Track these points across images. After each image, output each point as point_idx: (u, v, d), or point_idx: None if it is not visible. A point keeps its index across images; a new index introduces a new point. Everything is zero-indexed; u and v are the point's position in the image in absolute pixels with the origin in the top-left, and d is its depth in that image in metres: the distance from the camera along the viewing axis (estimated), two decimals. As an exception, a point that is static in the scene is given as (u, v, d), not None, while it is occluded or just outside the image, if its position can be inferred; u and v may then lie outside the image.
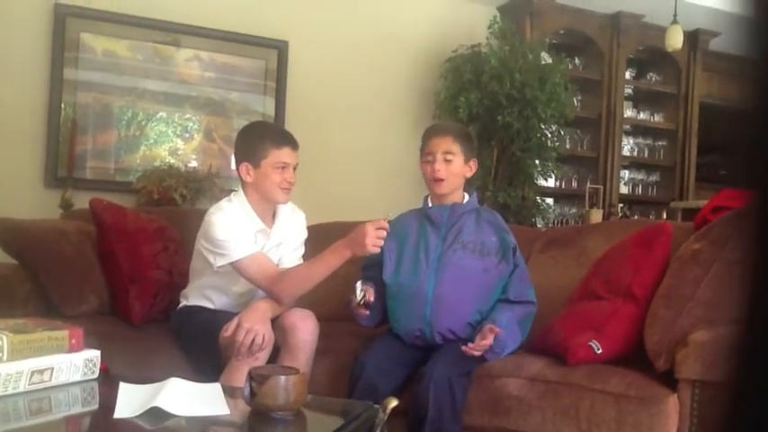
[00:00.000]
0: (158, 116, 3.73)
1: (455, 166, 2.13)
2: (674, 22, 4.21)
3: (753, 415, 0.44)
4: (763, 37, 0.44)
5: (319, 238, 2.30)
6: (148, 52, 3.69)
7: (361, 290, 2.00)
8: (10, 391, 1.43)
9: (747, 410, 0.44)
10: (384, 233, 1.97)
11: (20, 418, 1.41)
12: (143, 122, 3.70)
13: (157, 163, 3.58)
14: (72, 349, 1.58)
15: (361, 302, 1.99)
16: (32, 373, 1.48)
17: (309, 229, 2.38)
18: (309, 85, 4.01)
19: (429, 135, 2.19)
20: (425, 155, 2.16)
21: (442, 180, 2.11)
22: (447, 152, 2.12)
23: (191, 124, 3.82)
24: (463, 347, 1.91)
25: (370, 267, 2.18)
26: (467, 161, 2.16)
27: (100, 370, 1.63)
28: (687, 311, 1.77)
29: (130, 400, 1.43)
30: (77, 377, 1.58)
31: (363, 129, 4.15)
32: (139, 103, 3.68)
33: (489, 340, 1.90)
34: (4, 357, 1.43)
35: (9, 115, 3.36)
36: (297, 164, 2.21)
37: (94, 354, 1.63)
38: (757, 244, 0.45)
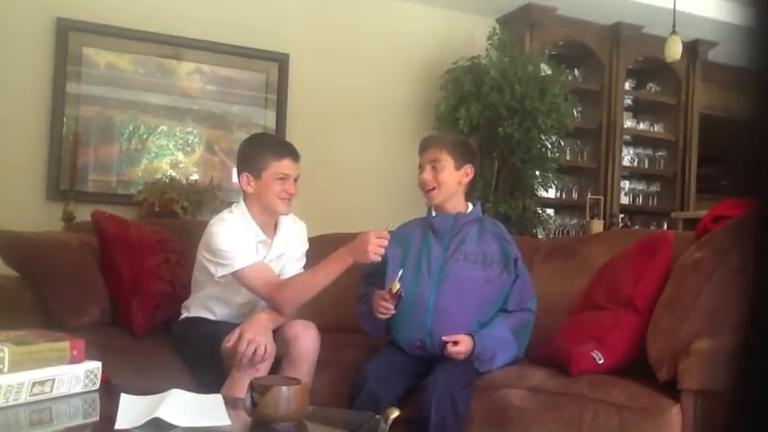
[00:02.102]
0: (160, 129, 3.75)
1: (444, 174, 2.14)
2: (673, 32, 4.23)
3: (752, 423, 0.44)
4: (763, 46, 0.44)
5: (320, 249, 2.30)
6: (150, 66, 3.71)
7: (399, 281, 1.98)
8: (11, 402, 1.43)
9: (747, 418, 0.44)
10: (385, 242, 1.98)
11: (21, 430, 1.41)
12: (144, 136, 3.71)
13: (159, 176, 3.59)
14: (73, 360, 1.58)
15: (398, 292, 1.97)
16: (33, 384, 1.48)
17: (310, 240, 2.39)
18: (310, 98, 4.03)
19: (420, 147, 2.24)
20: (419, 167, 2.20)
21: (431, 189, 2.13)
22: (434, 161, 2.15)
23: (192, 137, 3.83)
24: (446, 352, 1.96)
25: (371, 277, 2.18)
26: (459, 167, 2.17)
27: (101, 381, 1.63)
28: (689, 321, 1.76)
29: (132, 411, 1.42)
30: (78, 388, 1.58)
31: (364, 141, 4.17)
32: (141, 116, 3.70)
33: (457, 349, 1.95)
34: (5, 369, 1.43)
35: (12, 128, 3.38)
36: (298, 175, 2.22)
37: (96, 365, 1.63)
38: (758, 253, 0.45)
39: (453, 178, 2.16)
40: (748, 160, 0.47)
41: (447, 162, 2.15)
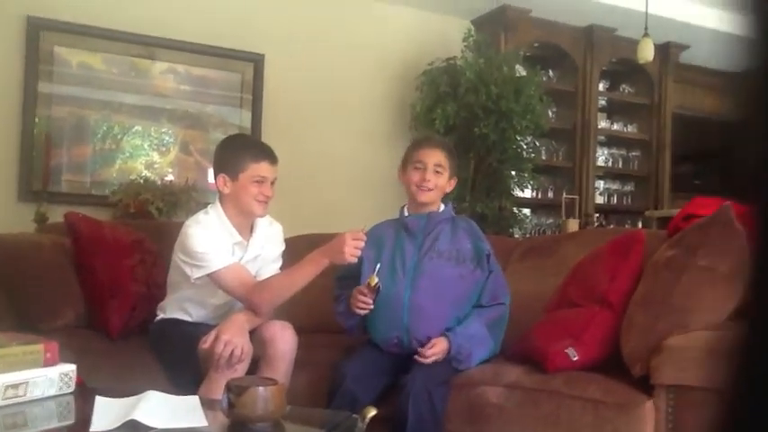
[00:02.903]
0: (134, 129, 3.71)
1: (441, 180, 2.18)
2: (646, 35, 4.28)
3: (752, 422, 0.45)
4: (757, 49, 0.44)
5: (297, 250, 2.30)
6: (124, 65, 3.67)
7: (377, 275, 2.00)
8: (-17, 406, 1.41)
9: (746, 417, 0.45)
10: (362, 243, 1.98)
11: (-6, 434, 1.39)
12: (119, 136, 3.67)
13: (133, 176, 3.56)
14: (47, 363, 1.56)
15: (376, 286, 1.99)
16: (6, 387, 1.46)
17: (287, 241, 2.38)
18: (286, 98, 4.02)
19: (421, 145, 2.23)
20: (414, 162, 2.18)
21: (430, 190, 2.14)
22: (438, 164, 2.16)
23: (167, 137, 3.80)
24: (415, 355, 1.97)
25: (346, 278, 2.18)
26: (450, 178, 2.21)
27: (76, 384, 1.61)
28: (662, 317, 1.79)
29: (107, 413, 1.41)
30: (53, 391, 1.56)
31: (339, 141, 4.17)
32: (115, 116, 3.66)
33: (433, 351, 1.97)
34: (-22, 372, 1.41)
35: (-18, 129, 3.33)
36: (275, 178, 2.21)
37: (70, 368, 1.61)
38: (757, 250, 0.45)
39: (444, 186, 2.20)
40: (746, 162, 0.48)
41: (445, 170, 2.18)
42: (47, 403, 1.54)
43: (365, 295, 2.01)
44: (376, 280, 1.99)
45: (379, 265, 2.04)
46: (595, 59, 4.81)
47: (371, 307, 2.02)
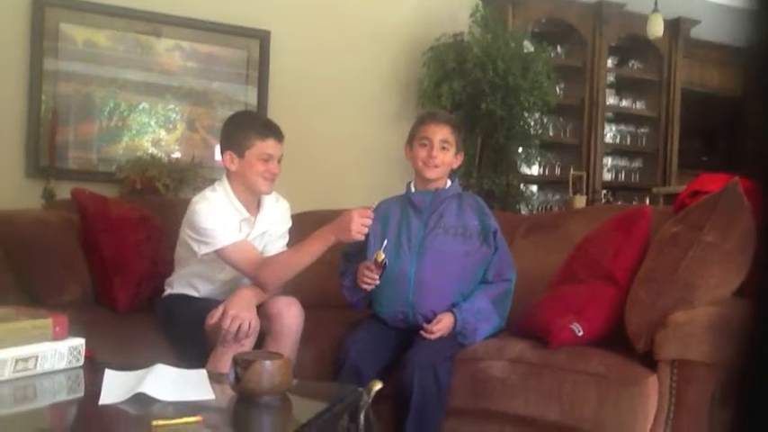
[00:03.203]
0: (140, 107, 3.71)
1: (448, 156, 2.17)
2: (655, 10, 4.24)
3: (762, 397, 0.45)
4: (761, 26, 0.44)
5: (304, 226, 2.31)
6: (129, 42, 3.66)
7: (384, 251, 2.02)
8: (-6, 379, 1.43)
9: (757, 392, 0.45)
10: (369, 221, 1.99)
11: (5, 406, 1.41)
12: (125, 113, 3.68)
13: (140, 153, 3.57)
14: (56, 337, 1.58)
15: (383, 262, 2.00)
16: (17, 361, 1.48)
17: (294, 217, 2.39)
18: (292, 75, 4.00)
19: (427, 121, 2.21)
20: (420, 138, 2.17)
21: (436, 167, 2.14)
22: (444, 141, 2.16)
23: (173, 114, 3.80)
24: (421, 331, 1.99)
25: (353, 254, 2.19)
26: (456, 154, 2.21)
27: (85, 357, 1.63)
28: (666, 293, 1.79)
29: (116, 386, 1.43)
30: (62, 365, 1.58)
31: (346, 117, 4.15)
32: (121, 93, 3.65)
33: (439, 326, 1.99)
34: (-12, 346, 1.44)
35: (-11, 106, 3.33)
36: (281, 155, 2.21)
37: (79, 341, 1.63)
38: (762, 230, 0.46)
39: (451, 162, 2.19)
40: (754, 138, 0.48)
41: (451, 145, 2.18)
42: (56, 376, 1.56)
43: (371, 271, 2.02)
44: (383, 256, 2.00)
45: (386, 242, 2.05)
46: (604, 35, 4.76)
47: (377, 282, 2.03)
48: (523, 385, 1.87)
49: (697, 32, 5.08)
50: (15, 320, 1.53)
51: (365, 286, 2.06)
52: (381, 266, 2.01)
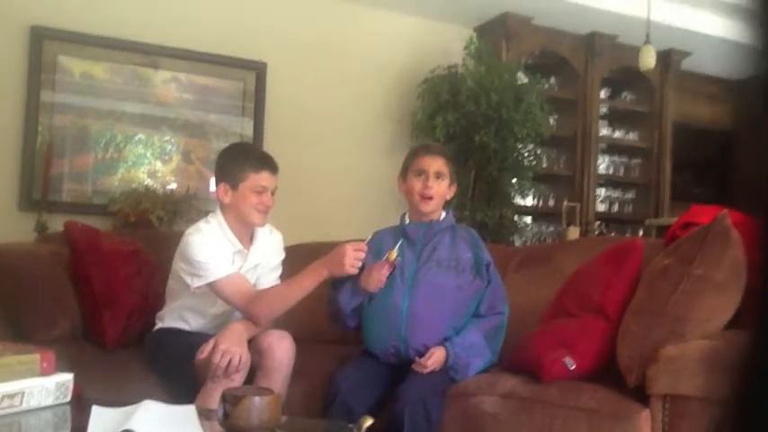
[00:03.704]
0: (136, 138, 3.73)
1: (443, 187, 2.19)
2: (647, 42, 4.29)
3: (759, 428, 0.45)
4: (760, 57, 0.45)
5: (297, 258, 2.31)
6: (126, 74, 3.70)
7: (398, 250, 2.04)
8: (-21, 416, 1.42)
9: (753, 424, 0.45)
10: (362, 254, 1.99)
11: (-11, 444, 1.40)
12: (121, 145, 3.69)
13: (136, 185, 3.57)
14: (44, 373, 1.57)
15: (395, 261, 2.02)
16: (3, 397, 1.47)
17: (287, 249, 2.39)
18: (288, 107, 4.04)
19: (421, 153, 2.23)
20: (414, 170, 2.19)
21: (431, 198, 2.15)
22: (438, 172, 2.17)
23: (169, 146, 3.82)
24: (413, 365, 1.98)
25: (341, 282, 2.18)
26: (450, 185, 2.23)
27: (73, 393, 1.62)
28: (657, 327, 1.79)
29: (103, 423, 1.42)
30: (49, 401, 1.57)
31: (341, 149, 4.18)
32: (117, 125, 3.67)
33: (432, 361, 1.98)
34: (-26, 382, 1.42)
35: (-16, 138, 3.35)
36: (275, 188, 2.22)
37: (67, 377, 1.61)
38: (760, 262, 0.46)
39: (445, 193, 2.21)
40: (746, 171, 0.48)
41: (446, 176, 2.20)
42: (43, 413, 1.54)
43: (381, 269, 2.03)
44: (396, 254, 2.02)
45: (402, 241, 2.08)
46: (596, 67, 4.82)
47: (381, 284, 2.04)
48: (515, 421, 1.85)
49: (689, 64, 5.15)
50: (2, 356, 1.52)
51: (373, 287, 2.05)
52: (392, 266, 2.02)
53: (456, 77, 4.06)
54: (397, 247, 2.04)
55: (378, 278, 2.04)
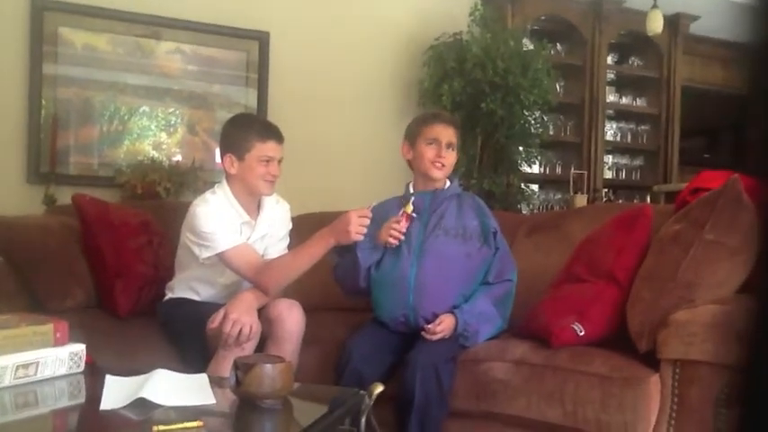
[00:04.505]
0: (141, 110, 3.71)
1: (453, 158, 2.20)
2: (655, 6, 4.23)
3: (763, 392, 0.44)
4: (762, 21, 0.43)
5: (304, 228, 2.31)
6: (129, 46, 3.66)
7: (412, 202, 2.08)
8: (-5, 386, 1.43)
9: (762, 391, 0.45)
10: (367, 221, 1.99)
11: (6, 413, 1.41)
12: (125, 117, 3.67)
13: (141, 157, 3.56)
14: (57, 343, 1.58)
15: (411, 214, 2.05)
16: (17, 367, 1.48)
17: (294, 219, 2.39)
18: (291, 76, 4.00)
19: (432, 121, 2.22)
20: (426, 138, 2.18)
21: (444, 166, 2.15)
22: (450, 143, 2.18)
23: (173, 118, 3.79)
24: (423, 332, 1.98)
25: (346, 248, 2.17)
26: (456, 155, 2.24)
27: (86, 363, 1.63)
28: (668, 292, 1.78)
29: (117, 391, 1.43)
30: (63, 371, 1.59)
31: (346, 118, 4.15)
32: (121, 97, 3.65)
33: (441, 327, 1.98)
34: (-11, 353, 1.44)
35: (-11, 112, 3.34)
36: (282, 157, 2.21)
37: (80, 347, 1.63)
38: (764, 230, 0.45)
39: (453, 163, 2.22)
40: (756, 135, 0.47)
41: (455, 147, 2.21)
42: (57, 382, 1.56)
43: (399, 223, 2.05)
44: (411, 208, 2.05)
45: (413, 197, 2.10)
46: (603, 32, 4.75)
47: (402, 236, 2.05)
48: (525, 387, 1.86)
49: (697, 28, 5.07)
50: (16, 327, 1.53)
51: (392, 240, 2.06)
52: (410, 218, 2.04)
53: (462, 45, 4.01)
54: (411, 201, 2.06)
55: (398, 230, 2.05)
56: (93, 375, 1.60)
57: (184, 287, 2.27)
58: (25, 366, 1.50)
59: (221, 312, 1.98)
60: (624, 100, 5.14)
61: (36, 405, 1.49)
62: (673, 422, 1.70)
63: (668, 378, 1.72)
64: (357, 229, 1.97)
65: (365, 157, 4.13)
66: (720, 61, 5.35)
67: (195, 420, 1.29)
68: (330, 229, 2.02)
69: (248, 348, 1.96)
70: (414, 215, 2.05)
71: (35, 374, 1.52)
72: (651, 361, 1.76)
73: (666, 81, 5.04)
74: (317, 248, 2.04)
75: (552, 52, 4.59)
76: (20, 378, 1.49)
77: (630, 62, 5.16)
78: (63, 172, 3.42)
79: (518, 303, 2.12)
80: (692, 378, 1.68)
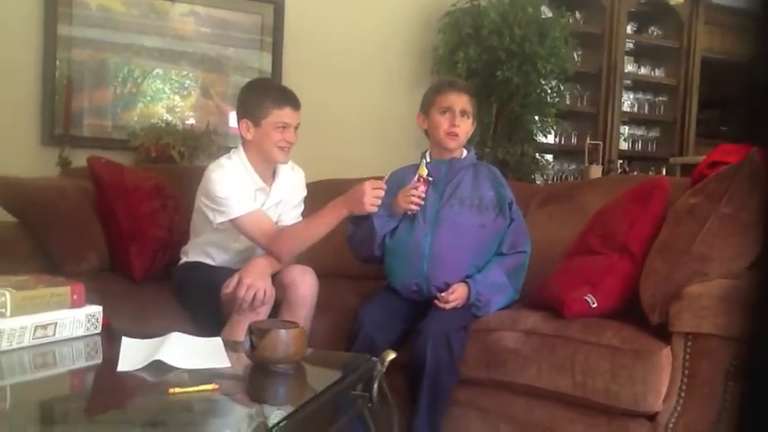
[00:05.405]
0: (155, 73, 3.70)
1: (468, 126, 2.17)
2: (677, -26, 4.14)
3: None
4: None
5: (318, 195, 2.31)
6: (143, 7, 3.64)
7: (426, 165, 2.08)
8: (14, 345, 1.46)
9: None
10: (381, 192, 1.99)
11: (25, 372, 1.44)
12: (139, 79, 3.66)
13: (155, 120, 3.56)
14: (74, 305, 1.61)
15: (428, 177, 2.06)
16: (36, 328, 1.51)
17: (308, 186, 2.39)
18: (306, 41, 3.96)
19: (446, 89, 2.19)
20: (440, 107, 2.15)
21: (457, 136, 2.13)
22: (464, 110, 2.15)
23: (188, 81, 3.78)
24: (435, 300, 1.99)
25: (361, 218, 2.17)
26: (473, 122, 2.20)
27: (102, 325, 1.66)
28: (682, 265, 1.78)
29: (133, 353, 1.46)
30: (80, 332, 1.61)
31: (361, 84, 4.11)
32: (135, 59, 3.64)
33: (454, 296, 1.98)
34: (8, 313, 1.46)
35: (3, 73, 3.33)
36: (298, 124, 2.20)
37: (97, 309, 1.65)
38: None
39: (469, 131, 2.20)
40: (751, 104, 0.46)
41: (470, 115, 2.17)
42: (75, 343, 1.59)
43: (417, 189, 2.04)
44: (426, 171, 2.05)
45: (427, 159, 2.10)
46: (623, 0, 4.66)
47: (422, 201, 2.05)
48: (536, 356, 1.87)
49: (719, -3, 4.97)
50: (34, 288, 1.55)
51: (412, 206, 2.06)
52: (426, 182, 2.05)
53: (478, 11, 3.95)
54: (425, 164, 2.05)
55: (418, 195, 2.04)
56: (110, 337, 1.62)
57: (199, 251, 2.28)
58: (44, 327, 1.52)
59: (235, 278, 2.00)
60: (642, 70, 5.07)
61: (54, 365, 1.51)
62: (683, 394, 1.70)
63: (680, 351, 1.72)
64: (371, 200, 1.97)
65: (379, 124, 4.11)
66: (741, 31, 5.24)
67: (210, 383, 1.31)
68: (344, 199, 2.02)
69: (262, 313, 1.98)
70: (430, 179, 2.04)
71: (53, 335, 1.55)
72: (663, 334, 1.76)
73: (686, 51, 4.95)
74: (331, 218, 2.05)
75: (570, 20, 4.51)
76: (38, 338, 1.51)
77: (650, 31, 5.07)
78: (77, 134, 3.43)
79: (531, 274, 2.12)
80: (703, 351, 1.69)
